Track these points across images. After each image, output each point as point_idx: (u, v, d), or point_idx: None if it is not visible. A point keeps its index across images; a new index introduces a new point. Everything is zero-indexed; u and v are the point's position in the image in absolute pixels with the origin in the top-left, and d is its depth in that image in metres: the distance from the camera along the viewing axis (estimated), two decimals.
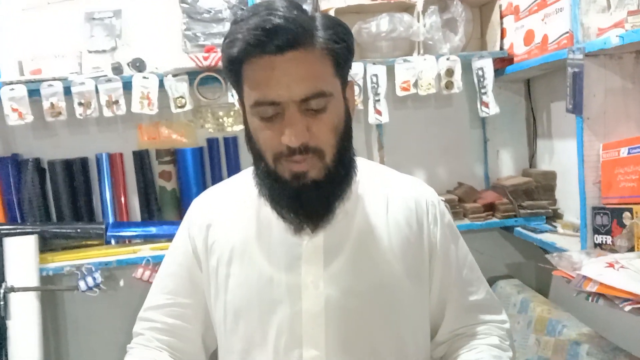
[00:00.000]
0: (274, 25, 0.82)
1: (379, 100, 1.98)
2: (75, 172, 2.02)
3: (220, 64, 1.84)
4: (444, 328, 1.07)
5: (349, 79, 0.97)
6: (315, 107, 0.86)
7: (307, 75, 0.85)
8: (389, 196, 1.04)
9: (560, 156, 2.04)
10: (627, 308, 1.16)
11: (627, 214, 1.42)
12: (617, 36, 1.36)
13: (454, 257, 1.06)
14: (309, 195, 0.90)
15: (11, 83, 1.81)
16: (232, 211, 1.04)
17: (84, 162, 2.04)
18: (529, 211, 2.01)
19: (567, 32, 1.63)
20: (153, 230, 1.97)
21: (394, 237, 1.00)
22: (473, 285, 1.08)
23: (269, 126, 0.87)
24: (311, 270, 0.96)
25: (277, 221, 0.98)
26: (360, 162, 1.02)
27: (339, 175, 0.92)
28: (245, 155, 2.10)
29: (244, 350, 1.00)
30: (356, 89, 1.94)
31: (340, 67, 0.91)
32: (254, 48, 0.83)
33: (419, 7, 1.99)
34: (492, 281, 2.21)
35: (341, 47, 0.89)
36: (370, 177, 1.05)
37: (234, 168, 2.08)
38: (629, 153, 1.45)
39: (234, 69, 0.88)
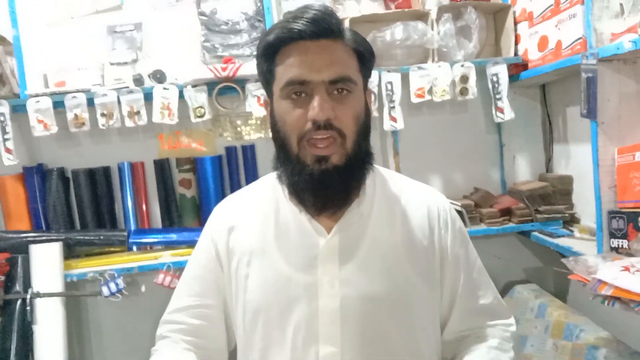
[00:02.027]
0: (312, 14, 0.93)
1: (394, 107, 2.00)
2: (98, 180, 2.07)
3: (238, 74, 1.90)
4: (449, 327, 1.10)
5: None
6: (341, 88, 0.94)
7: (337, 60, 0.95)
8: (403, 201, 1.08)
9: (577, 160, 2.04)
10: None
11: None
12: (630, 41, 1.37)
13: (463, 261, 1.09)
14: (329, 179, 0.95)
15: (37, 95, 1.87)
16: (251, 215, 1.09)
17: (106, 171, 2.10)
18: (545, 216, 2.01)
19: (580, 38, 1.64)
20: (174, 236, 2.01)
21: (407, 240, 1.04)
22: (481, 289, 1.10)
23: (297, 105, 0.94)
24: (327, 271, 1.00)
25: (294, 224, 1.03)
26: (376, 168, 1.07)
27: (357, 164, 0.98)
28: (262, 162, 2.14)
29: (263, 348, 1.03)
30: (371, 96, 1.96)
31: (364, 67, 1.00)
32: (291, 33, 0.93)
33: (433, 15, 2.01)
34: (509, 286, 2.21)
35: (366, 47, 1.00)
36: (385, 183, 1.10)
37: (252, 175, 2.12)
38: None
39: (269, 55, 0.97)
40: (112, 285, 1.86)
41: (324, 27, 0.93)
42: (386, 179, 1.11)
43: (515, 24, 2.06)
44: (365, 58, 1.00)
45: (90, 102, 1.89)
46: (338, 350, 0.98)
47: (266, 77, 1.00)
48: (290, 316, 1.00)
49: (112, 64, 2.01)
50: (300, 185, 0.97)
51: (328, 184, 0.95)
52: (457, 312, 1.08)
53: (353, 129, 0.95)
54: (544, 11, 1.85)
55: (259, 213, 1.08)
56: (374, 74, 1.95)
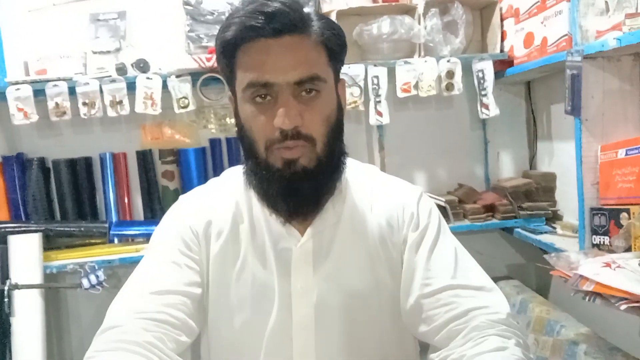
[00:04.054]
0: (273, 8, 0.84)
1: (379, 101, 1.99)
2: (79, 171, 2.04)
3: None
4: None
5: (342, 77, 0.98)
6: (308, 89, 0.88)
7: (303, 59, 0.87)
8: (374, 199, 1.04)
9: (560, 158, 2.05)
10: (623, 307, 1.17)
11: (624, 215, 1.43)
12: (614, 39, 1.37)
13: (425, 242, 0.99)
14: (299, 184, 0.90)
15: (17, 83, 1.83)
16: (225, 213, 1.01)
17: (88, 161, 2.07)
18: (528, 212, 2.02)
19: (566, 35, 1.65)
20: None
21: (378, 240, 1.00)
22: (455, 270, 1.01)
23: (261, 111, 0.88)
24: (300, 276, 0.97)
25: (267, 227, 0.98)
26: (350, 164, 1.02)
27: (329, 167, 0.93)
28: None
29: (235, 353, 0.99)
30: (357, 90, 1.95)
31: (334, 59, 0.93)
32: (250, 31, 0.85)
33: (420, 9, 2.01)
34: None
35: (335, 38, 0.91)
36: (358, 180, 1.05)
37: None
38: (626, 154, 1.46)
39: (228, 53, 0.89)
40: (93, 278, 1.83)
41: (286, 22, 0.85)
42: (359, 175, 1.06)
43: (502, 20, 2.06)
44: (335, 50, 0.92)
45: (72, 91, 1.86)
46: (313, 358, 0.97)
47: (227, 76, 0.93)
48: (266, 323, 0.97)
49: (94, 52, 1.98)
50: (270, 192, 0.93)
51: (298, 188, 0.90)
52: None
53: (323, 132, 0.90)
54: (530, 7, 1.86)
55: (232, 212, 1.00)
56: (361, 67, 1.95)
